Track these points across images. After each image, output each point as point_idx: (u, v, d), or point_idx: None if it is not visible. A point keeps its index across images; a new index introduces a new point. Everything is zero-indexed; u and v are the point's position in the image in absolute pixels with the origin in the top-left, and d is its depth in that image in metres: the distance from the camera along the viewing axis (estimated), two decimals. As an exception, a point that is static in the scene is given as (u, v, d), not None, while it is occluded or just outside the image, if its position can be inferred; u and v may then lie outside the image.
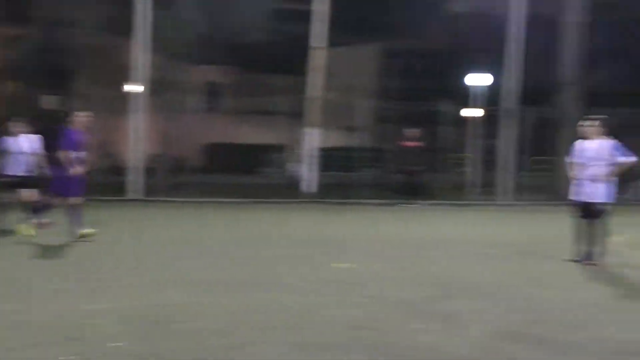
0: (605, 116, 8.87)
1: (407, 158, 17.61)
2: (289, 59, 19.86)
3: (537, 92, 19.30)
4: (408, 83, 22.54)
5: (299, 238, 10.66)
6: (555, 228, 11.44)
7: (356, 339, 5.11)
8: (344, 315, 5.79)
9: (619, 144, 8.54)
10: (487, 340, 5.18)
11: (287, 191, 17.66)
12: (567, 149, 9.34)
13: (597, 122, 8.69)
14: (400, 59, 23.92)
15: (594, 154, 8.58)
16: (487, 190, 18.77)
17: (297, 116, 18.88)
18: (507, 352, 4.89)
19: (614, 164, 8.50)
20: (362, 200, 17.06)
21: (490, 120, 18.98)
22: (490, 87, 19.12)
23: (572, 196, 8.86)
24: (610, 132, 8.71)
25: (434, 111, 20.73)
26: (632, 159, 8.53)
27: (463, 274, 7.85)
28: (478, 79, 19.10)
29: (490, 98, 18.95)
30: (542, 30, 18.57)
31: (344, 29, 19.64)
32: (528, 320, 5.80)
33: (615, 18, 18.61)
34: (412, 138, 17.74)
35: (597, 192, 8.54)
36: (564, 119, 19.16)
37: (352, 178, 18.57)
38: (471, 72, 19.17)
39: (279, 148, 21.19)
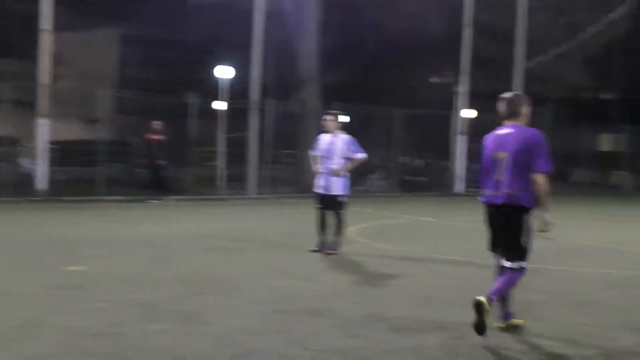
0: (341, 111, 9.31)
1: (151, 151, 16.92)
2: (17, 41, 17.84)
3: (284, 86, 19.89)
4: (153, 73, 21.75)
5: (28, 240, 9.60)
6: (300, 220, 11.83)
7: (94, 347, 4.65)
8: (80, 322, 5.24)
9: (353, 139, 8.98)
10: (230, 335, 5.01)
11: (16, 189, 15.86)
12: (311, 143, 9.63)
13: (334, 117, 9.08)
14: (143, 48, 22.91)
15: (331, 147, 8.94)
16: (235, 184, 18.87)
17: (26, 105, 17.01)
18: (242, 346, 4.75)
19: (348, 159, 8.93)
20: (103, 197, 16.00)
21: (238, 113, 19.09)
22: (238, 80, 19.21)
23: (315, 188, 9.15)
24: (346, 126, 9.15)
25: (181, 103, 20.25)
26: (363, 155, 9.03)
27: (208, 270, 7.66)
28: (225, 72, 19.06)
29: (239, 91, 19.05)
30: (287, 27, 19.16)
31: (77, 11, 18.18)
32: (271, 311, 5.78)
33: (350, 19, 19.94)
34: (157, 131, 17.11)
35: (335, 184, 8.91)
36: (306, 113, 20.07)
37: (92, 173, 17.28)
38: (219, 65, 19.07)
39: (6, 141, 18.87)
